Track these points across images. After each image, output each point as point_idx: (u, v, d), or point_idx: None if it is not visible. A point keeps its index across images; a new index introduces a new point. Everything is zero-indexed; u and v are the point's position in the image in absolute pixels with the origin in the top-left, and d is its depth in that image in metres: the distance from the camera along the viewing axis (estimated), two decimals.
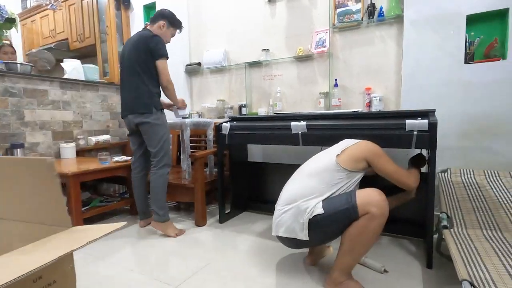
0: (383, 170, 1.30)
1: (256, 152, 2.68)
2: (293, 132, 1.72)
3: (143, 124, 1.89)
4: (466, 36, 1.82)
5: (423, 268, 1.46)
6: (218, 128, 2.05)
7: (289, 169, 1.45)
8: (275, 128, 1.81)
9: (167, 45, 2.00)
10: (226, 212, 2.22)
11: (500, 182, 1.59)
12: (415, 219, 1.80)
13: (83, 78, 2.89)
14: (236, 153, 2.35)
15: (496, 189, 1.55)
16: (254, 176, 2.42)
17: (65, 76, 2.82)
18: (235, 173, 2.30)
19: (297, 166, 1.42)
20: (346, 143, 1.35)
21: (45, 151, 2.56)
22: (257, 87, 2.74)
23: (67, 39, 3.72)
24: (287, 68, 2.56)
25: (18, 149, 2.27)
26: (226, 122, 2.05)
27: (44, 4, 3.78)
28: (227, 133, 1.99)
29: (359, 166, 1.27)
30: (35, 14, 4.05)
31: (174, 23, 2.04)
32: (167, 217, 1.96)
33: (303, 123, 1.69)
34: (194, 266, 1.53)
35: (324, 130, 1.64)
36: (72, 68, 2.87)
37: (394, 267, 1.46)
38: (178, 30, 2.11)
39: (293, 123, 1.72)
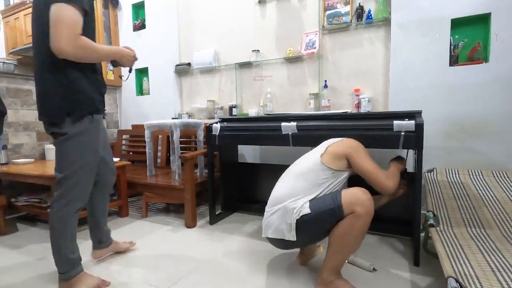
0: (360, 167, 1.27)
1: (247, 153, 2.68)
2: (283, 133, 1.73)
3: (55, 135, 1.24)
4: (450, 40, 1.87)
5: (410, 265, 1.49)
6: (208, 128, 2.03)
7: (280, 170, 1.46)
8: (265, 128, 1.82)
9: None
10: (217, 213, 2.20)
11: (483, 181, 1.64)
12: (403, 218, 1.84)
13: None
14: (227, 154, 2.34)
15: (479, 187, 1.60)
16: (244, 177, 2.42)
17: None
18: (226, 174, 2.30)
19: (288, 166, 1.43)
20: (330, 142, 1.37)
21: (29, 152, 2.49)
22: (247, 88, 2.74)
23: None
24: (277, 69, 2.57)
25: (1, 151, 2.20)
26: (216, 122, 2.04)
27: (28, 1, 3.67)
28: (217, 134, 1.98)
29: (341, 165, 1.28)
30: (19, 11, 3.93)
31: None
32: (71, 273, 1.27)
33: (293, 123, 1.70)
34: (184, 268, 1.51)
35: (314, 131, 1.66)
36: None
37: (383, 265, 1.49)
38: None
39: (283, 124, 1.72)
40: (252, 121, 1.97)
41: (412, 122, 1.41)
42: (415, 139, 1.41)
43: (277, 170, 2.06)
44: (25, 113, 2.45)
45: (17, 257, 1.69)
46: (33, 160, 2.44)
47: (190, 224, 2.08)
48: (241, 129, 1.93)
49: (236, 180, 2.41)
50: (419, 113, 1.51)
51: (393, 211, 1.87)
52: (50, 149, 2.51)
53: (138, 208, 2.57)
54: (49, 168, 2.10)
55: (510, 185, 1.57)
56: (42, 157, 2.56)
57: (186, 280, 1.40)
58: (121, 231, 2.05)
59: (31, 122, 2.49)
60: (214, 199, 2.13)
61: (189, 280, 1.40)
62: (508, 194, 1.51)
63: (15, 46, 3.97)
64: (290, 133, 1.71)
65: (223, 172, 2.28)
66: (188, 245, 1.81)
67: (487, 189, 1.58)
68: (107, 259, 1.63)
